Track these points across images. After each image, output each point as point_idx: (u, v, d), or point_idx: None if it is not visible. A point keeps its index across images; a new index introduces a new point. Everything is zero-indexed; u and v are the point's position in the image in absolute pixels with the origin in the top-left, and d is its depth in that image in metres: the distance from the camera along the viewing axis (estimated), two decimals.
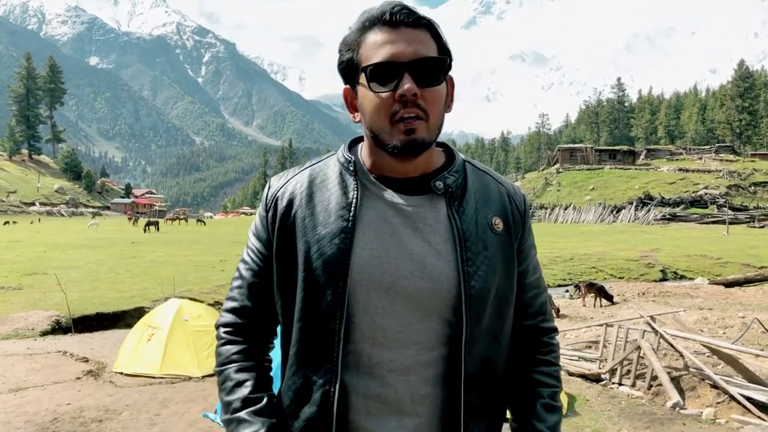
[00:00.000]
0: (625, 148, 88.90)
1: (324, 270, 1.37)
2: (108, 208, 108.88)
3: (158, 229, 47.23)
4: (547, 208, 64.44)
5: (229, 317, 1.53)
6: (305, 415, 1.40)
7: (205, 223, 66.97)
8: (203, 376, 7.69)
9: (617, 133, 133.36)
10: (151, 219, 54.98)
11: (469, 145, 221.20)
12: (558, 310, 13.52)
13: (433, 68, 1.37)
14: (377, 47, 1.36)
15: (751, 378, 6.95)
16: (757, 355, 7.12)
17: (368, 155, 1.48)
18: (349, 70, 1.43)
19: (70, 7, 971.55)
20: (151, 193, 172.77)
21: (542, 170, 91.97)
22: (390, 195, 1.44)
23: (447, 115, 1.41)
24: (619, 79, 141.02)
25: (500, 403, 1.52)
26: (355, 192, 1.43)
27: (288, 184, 1.51)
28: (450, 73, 1.48)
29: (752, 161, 77.35)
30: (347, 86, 1.46)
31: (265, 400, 1.46)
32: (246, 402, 1.43)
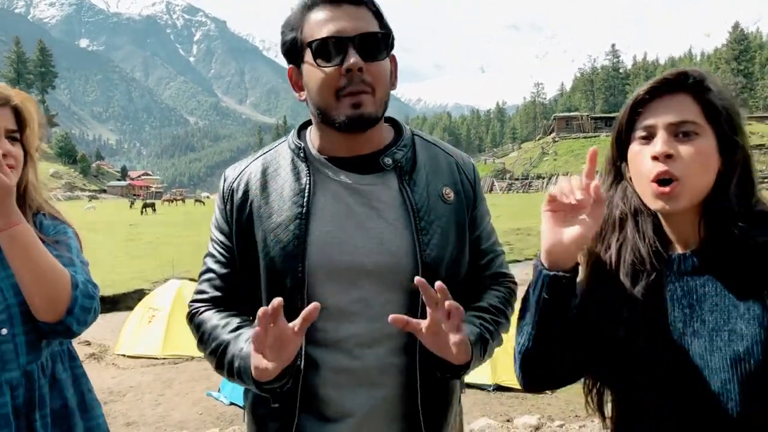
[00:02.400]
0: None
1: (282, 256, 1.40)
2: (104, 191, 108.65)
3: (155, 211, 47.16)
4: (543, 178, 64.42)
5: (198, 305, 1.54)
6: (278, 392, 1.40)
7: (204, 203, 66.88)
8: None
9: (612, 100, 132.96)
10: (147, 201, 54.84)
11: (464, 117, 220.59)
12: None
13: (377, 43, 1.39)
14: (321, 25, 1.37)
15: None
16: None
17: (317, 137, 1.50)
18: (293, 50, 1.44)
19: None
20: (147, 174, 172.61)
21: (538, 140, 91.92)
22: (343, 176, 1.46)
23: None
24: (613, 45, 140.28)
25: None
26: (308, 178, 1.45)
27: (242, 175, 1.53)
28: (393, 52, 1.48)
29: (749, 124, 77.01)
30: (291, 66, 1.47)
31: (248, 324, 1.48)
32: (235, 329, 1.44)
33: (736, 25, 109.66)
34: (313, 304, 1.21)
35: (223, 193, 1.55)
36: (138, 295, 11.91)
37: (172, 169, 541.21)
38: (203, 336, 1.48)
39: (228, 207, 1.52)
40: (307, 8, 1.41)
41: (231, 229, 1.51)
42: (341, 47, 1.35)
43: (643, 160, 1.19)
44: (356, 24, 1.37)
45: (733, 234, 1.15)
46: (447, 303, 1.23)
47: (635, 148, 1.22)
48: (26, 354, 1.52)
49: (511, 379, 5.89)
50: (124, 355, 8.03)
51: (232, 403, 6.07)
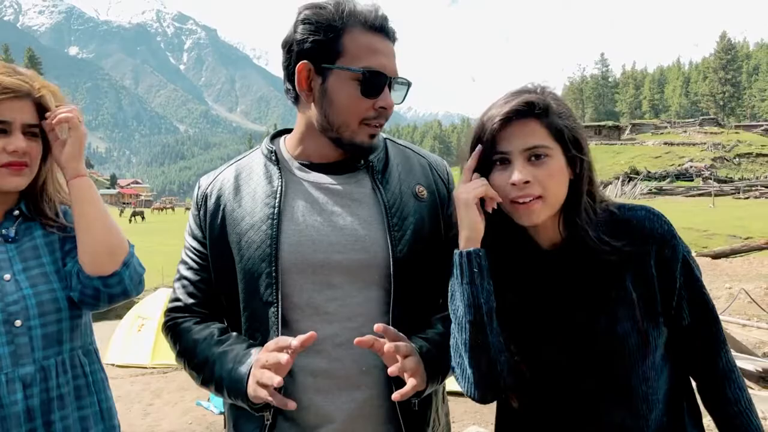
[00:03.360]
0: (610, 123, 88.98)
1: (256, 257, 1.41)
2: None
3: (144, 219, 46.88)
4: None
5: (174, 315, 1.55)
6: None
7: None
8: None
9: (602, 108, 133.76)
10: (136, 209, 54.49)
11: (455, 126, 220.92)
12: None
13: (405, 88, 1.47)
14: (370, 51, 1.38)
15: (739, 348, 7.02)
16: (744, 325, 7.21)
17: (297, 142, 1.53)
18: (319, 50, 1.40)
19: None
20: (137, 183, 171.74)
21: None
22: (315, 177, 1.49)
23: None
24: (602, 54, 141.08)
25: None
26: (280, 180, 1.47)
27: (215, 181, 1.55)
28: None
29: (736, 133, 77.68)
30: (306, 62, 1.42)
31: (234, 334, 1.47)
32: (218, 343, 1.44)
33: (723, 35, 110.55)
34: (311, 333, 1.23)
35: (196, 200, 1.56)
36: (127, 303, 11.84)
37: (162, 177, 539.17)
38: (184, 350, 1.48)
39: (201, 213, 1.53)
40: (354, 21, 1.39)
41: (205, 234, 1.52)
42: (382, 84, 1.39)
43: (505, 187, 1.33)
44: (394, 64, 1.42)
45: (588, 235, 1.35)
46: (386, 348, 1.26)
47: (495, 174, 1.35)
48: (42, 348, 1.47)
49: None
50: (113, 365, 7.98)
51: (222, 413, 6.03)
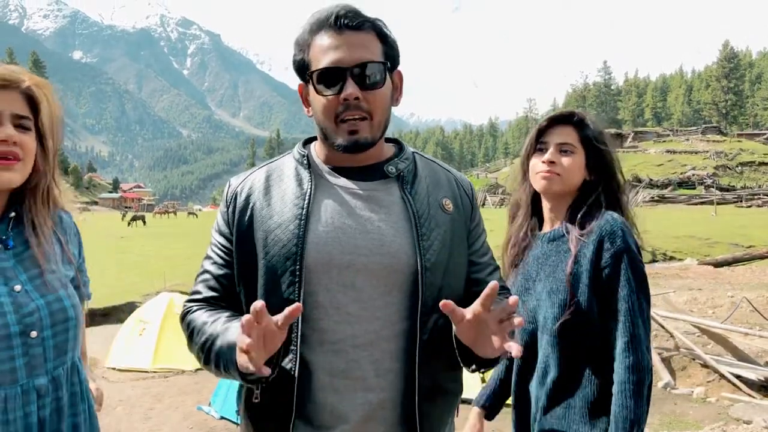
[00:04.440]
0: (612, 130, 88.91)
1: (281, 255, 1.43)
2: (96, 203, 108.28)
3: (144, 223, 46.57)
4: None
5: (191, 305, 1.56)
6: (270, 394, 1.43)
7: (197, 216, 66.68)
8: (196, 370, 7.67)
9: (604, 116, 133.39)
10: (137, 213, 53.75)
11: (457, 132, 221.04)
12: None
13: (375, 72, 1.45)
14: (323, 51, 1.44)
15: (741, 356, 7.01)
16: (746, 334, 7.19)
17: (321, 149, 1.58)
18: (301, 69, 1.51)
19: (52, 0, 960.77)
20: (139, 187, 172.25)
21: None
22: (344, 182, 1.52)
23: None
24: (605, 61, 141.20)
25: (458, 378, 1.58)
26: (310, 183, 1.51)
27: (246, 181, 1.59)
28: (399, 67, 1.56)
29: (739, 141, 77.66)
30: (301, 83, 1.55)
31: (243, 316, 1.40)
32: (224, 323, 1.43)
33: (726, 44, 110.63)
34: (296, 305, 1.21)
35: (226, 197, 1.60)
36: (129, 307, 11.83)
37: (164, 181, 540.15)
38: (192, 332, 1.49)
39: (230, 210, 1.56)
40: (314, 31, 1.47)
41: (232, 231, 1.54)
42: (339, 77, 1.42)
43: (538, 164, 1.96)
44: (356, 53, 1.43)
45: (576, 221, 1.90)
46: (501, 309, 1.25)
47: (534, 159, 1.99)
48: (53, 359, 1.48)
49: None
50: (114, 368, 7.97)
51: (222, 417, 6.03)
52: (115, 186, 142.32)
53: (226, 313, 1.48)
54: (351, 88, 1.41)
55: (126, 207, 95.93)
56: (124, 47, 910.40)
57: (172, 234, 35.15)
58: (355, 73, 1.42)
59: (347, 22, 1.44)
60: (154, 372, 7.77)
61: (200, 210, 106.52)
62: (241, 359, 1.25)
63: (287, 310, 1.20)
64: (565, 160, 1.92)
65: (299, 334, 1.42)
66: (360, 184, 1.52)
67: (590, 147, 1.94)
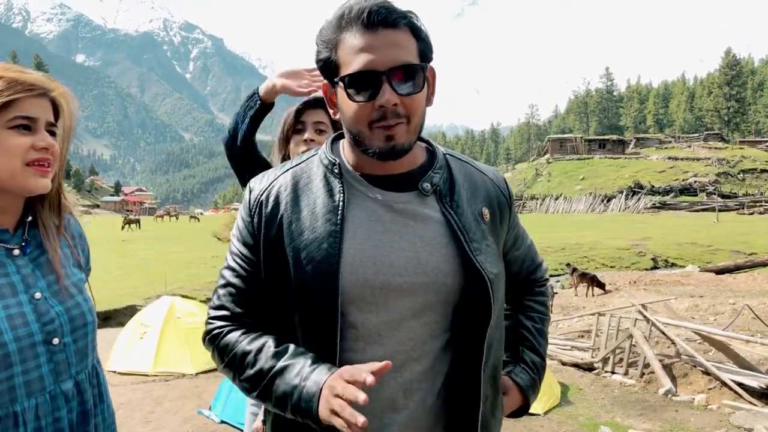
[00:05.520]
0: (614, 137, 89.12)
1: (315, 275, 1.35)
2: (98, 206, 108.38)
3: (140, 227, 45.94)
4: (537, 199, 64.60)
5: (220, 324, 1.48)
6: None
7: (198, 220, 66.74)
8: (197, 373, 7.67)
9: (606, 122, 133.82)
10: (132, 217, 51.88)
11: (459, 137, 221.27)
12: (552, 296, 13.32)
13: (412, 74, 1.34)
14: (355, 53, 1.32)
15: (742, 364, 7.00)
16: (748, 341, 7.17)
17: (351, 153, 1.46)
18: (327, 68, 1.39)
19: (56, 4, 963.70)
20: (141, 190, 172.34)
21: (532, 161, 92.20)
22: (378, 193, 1.42)
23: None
24: (607, 68, 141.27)
25: (496, 392, 1.53)
26: (341, 195, 1.40)
27: (272, 187, 1.47)
28: (432, 63, 1.44)
29: (741, 148, 77.75)
30: (326, 82, 1.45)
31: (292, 346, 1.39)
32: (276, 355, 1.37)
33: (728, 51, 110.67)
34: (385, 363, 1.18)
35: (249, 205, 1.48)
36: (130, 311, 11.83)
37: (166, 185, 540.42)
38: (234, 361, 1.41)
39: (255, 220, 1.45)
40: (342, 27, 1.34)
41: (258, 243, 1.45)
42: (375, 80, 1.31)
43: (298, 147, 2.31)
44: (391, 54, 1.31)
45: None
46: None
47: (295, 138, 2.35)
48: (76, 364, 1.51)
49: None
50: (114, 372, 7.96)
51: (223, 422, 6.02)
52: (117, 189, 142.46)
53: (269, 338, 1.41)
54: (388, 94, 1.30)
55: (127, 210, 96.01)
56: (126, 51, 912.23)
57: (173, 237, 35.18)
58: (391, 77, 1.30)
59: (381, 19, 1.31)
60: (155, 375, 7.76)
61: (202, 214, 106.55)
62: (337, 422, 1.20)
63: (373, 370, 1.18)
64: (321, 138, 2.27)
65: (338, 356, 1.35)
66: (394, 196, 1.42)
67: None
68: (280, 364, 1.35)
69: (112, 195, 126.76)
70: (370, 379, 1.18)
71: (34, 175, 1.43)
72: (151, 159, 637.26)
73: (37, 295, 1.45)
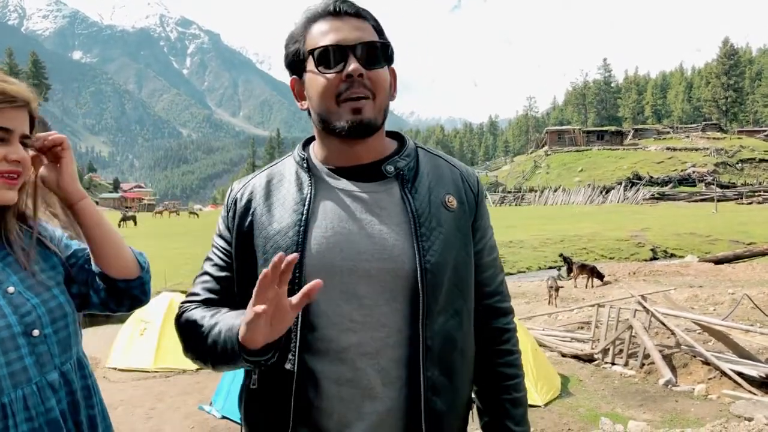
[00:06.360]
0: (612, 128, 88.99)
1: None
2: (97, 203, 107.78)
3: (135, 224, 45.37)
4: (536, 191, 64.57)
5: (187, 305, 1.53)
6: (271, 402, 1.43)
7: (197, 215, 66.73)
8: (197, 369, 7.68)
9: (604, 113, 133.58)
10: (127, 214, 51.20)
11: (457, 130, 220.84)
12: (557, 288, 13.30)
13: (377, 51, 1.43)
14: (323, 34, 1.42)
15: (742, 353, 7.01)
16: (747, 331, 7.19)
17: (320, 148, 1.53)
18: (295, 61, 1.48)
19: (51, 1, 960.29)
20: (140, 187, 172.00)
21: (531, 153, 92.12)
22: (345, 184, 1.48)
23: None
24: (605, 59, 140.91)
25: (466, 382, 1.54)
26: (310, 187, 1.47)
27: (247, 186, 1.57)
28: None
29: (739, 138, 77.65)
30: (294, 77, 1.52)
31: (226, 309, 1.45)
32: (213, 316, 1.42)
33: (726, 41, 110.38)
34: (316, 281, 1.18)
35: (227, 202, 1.59)
36: None
37: (164, 181, 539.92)
38: (188, 327, 1.46)
39: (230, 215, 1.55)
40: (310, 21, 1.46)
41: (231, 236, 1.53)
42: (342, 55, 1.39)
43: None
44: (357, 33, 1.42)
45: None
46: None
47: None
48: (59, 354, 1.51)
49: None
50: (115, 368, 7.98)
51: (224, 417, 6.04)
52: (116, 186, 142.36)
53: (225, 310, 1.45)
54: (354, 64, 1.38)
55: (126, 207, 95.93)
56: (123, 47, 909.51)
57: (173, 234, 35.16)
58: (357, 51, 1.40)
59: (347, 9, 1.44)
60: (156, 372, 7.78)
61: (201, 209, 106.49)
62: (244, 328, 1.24)
63: (306, 287, 1.18)
64: None
65: (298, 338, 1.39)
66: (361, 186, 1.48)
67: None
68: (222, 315, 1.40)
69: (110, 192, 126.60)
70: (296, 299, 1.20)
71: (1, 187, 1.43)
72: (150, 155, 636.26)
73: (11, 289, 1.45)
